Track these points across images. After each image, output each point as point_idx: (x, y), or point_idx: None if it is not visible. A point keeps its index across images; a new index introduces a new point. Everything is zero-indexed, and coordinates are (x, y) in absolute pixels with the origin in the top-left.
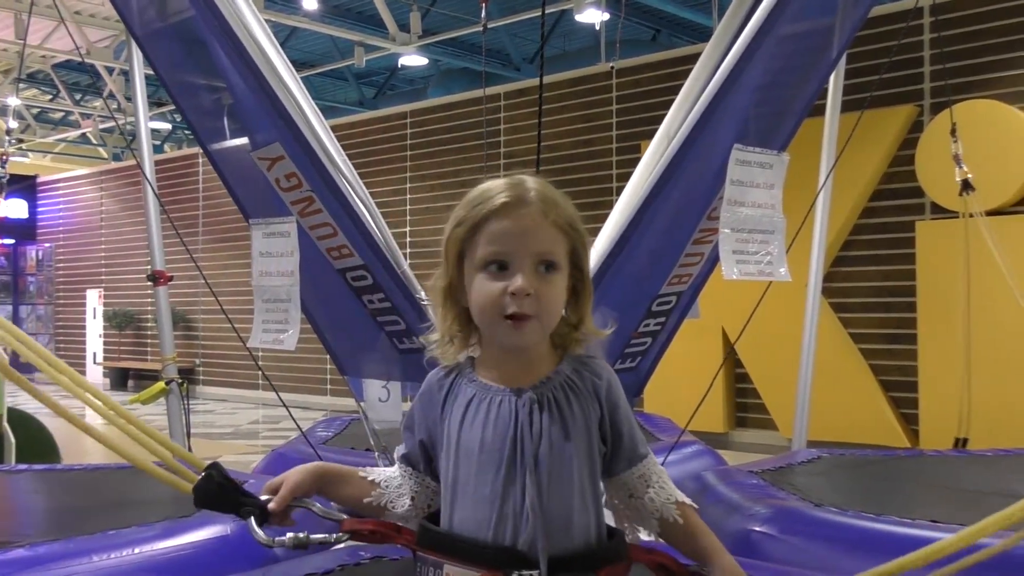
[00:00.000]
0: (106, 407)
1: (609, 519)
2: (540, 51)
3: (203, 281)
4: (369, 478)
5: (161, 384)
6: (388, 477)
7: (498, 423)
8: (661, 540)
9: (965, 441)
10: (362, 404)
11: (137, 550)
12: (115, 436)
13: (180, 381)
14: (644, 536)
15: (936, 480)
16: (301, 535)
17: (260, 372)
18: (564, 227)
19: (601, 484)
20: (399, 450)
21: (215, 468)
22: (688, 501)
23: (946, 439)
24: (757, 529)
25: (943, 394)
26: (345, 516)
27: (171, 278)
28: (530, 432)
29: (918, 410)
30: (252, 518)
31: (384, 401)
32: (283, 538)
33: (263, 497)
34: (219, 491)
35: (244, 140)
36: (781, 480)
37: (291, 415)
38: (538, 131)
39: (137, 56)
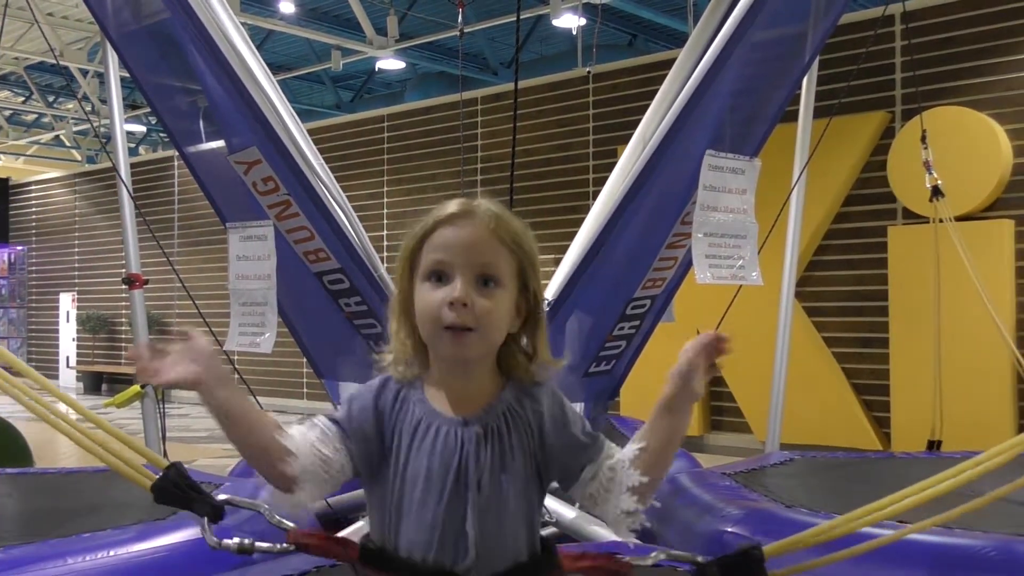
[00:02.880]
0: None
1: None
2: (516, 56)
3: (178, 285)
4: (282, 443)
5: (136, 388)
6: (301, 450)
7: (444, 453)
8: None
9: (939, 444)
10: (338, 406)
11: (112, 552)
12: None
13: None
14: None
15: (906, 481)
16: (247, 541)
17: (236, 375)
18: (510, 244)
19: (540, 500)
20: (334, 417)
21: (174, 468)
22: (636, 447)
23: (918, 441)
24: (729, 530)
25: (915, 397)
26: (293, 525)
27: (146, 282)
28: (475, 464)
29: (890, 413)
30: (205, 517)
31: None
32: (230, 541)
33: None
34: (175, 489)
35: (220, 143)
36: (753, 482)
37: (257, 401)
38: (513, 135)
39: (112, 58)
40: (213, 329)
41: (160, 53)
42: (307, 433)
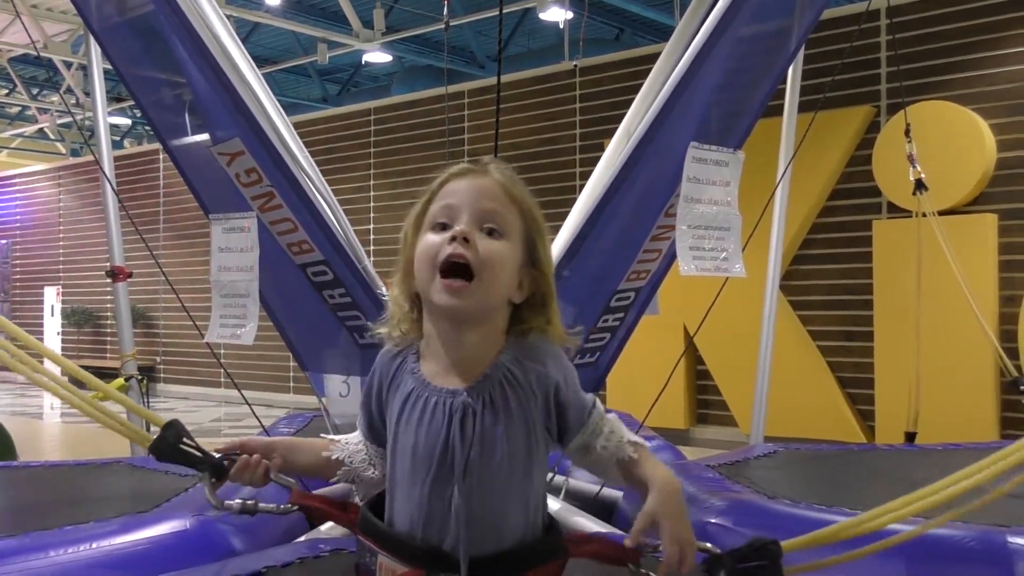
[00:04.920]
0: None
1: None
2: (499, 49)
3: (163, 278)
4: (326, 437)
5: (120, 380)
6: (350, 440)
7: (431, 427)
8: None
9: (914, 435)
10: (323, 399)
11: (95, 545)
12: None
13: (139, 377)
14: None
15: (887, 473)
16: (250, 501)
17: (221, 368)
18: (519, 204)
19: (542, 475)
20: (359, 418)
21: (172, 427)
22: (639, 440)
23: (901, 434)
24: (712, 521)
25: (899, 390)
26: (296, 484)
27: (130, 274)
28: (460, 439)
29: (874, 406)
30: (207, 476)
31: (345, 396)
32: (232, 502)
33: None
34: (175, 448)
35: (204, 136)
36: (737, 474)
37: (252, 410)
38: (495, 129)
39: (95, 51)
40: (197, 323)
41: (143, 46)
42: (351, 439)
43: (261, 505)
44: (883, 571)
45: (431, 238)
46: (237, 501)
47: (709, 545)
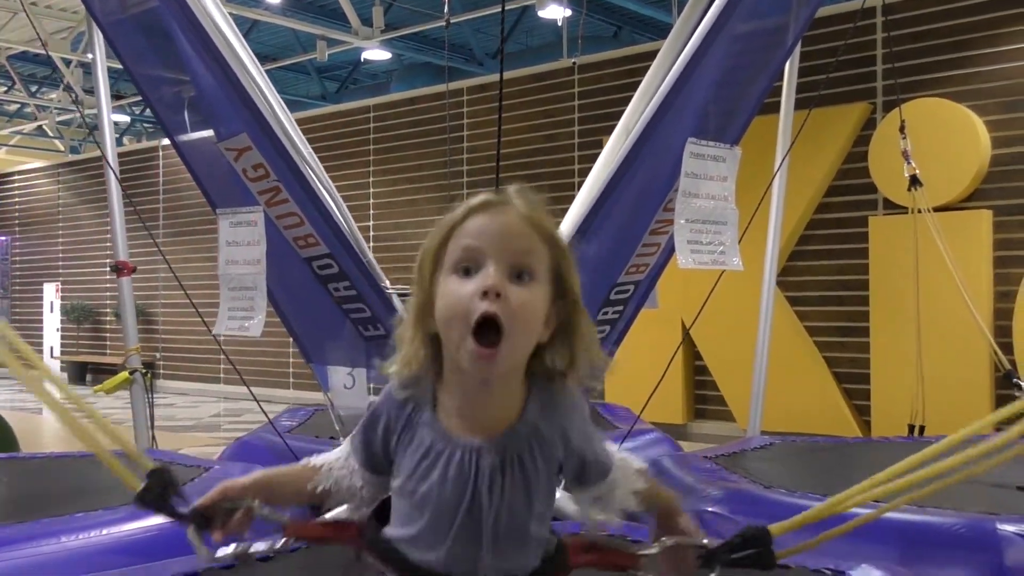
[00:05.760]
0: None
1: None
2: (501, 47)
3: (162, 275)
4: (311, 463)
5: (125, 374)
6: (333, 466)
7: (457, 484)
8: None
9: (922, 429)
10: (328, 392)
11: (104, 532)
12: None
13: (144, 371)
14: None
15: (882, 464)
16: (240, 546)
17: (225, 361)
18: (547, 238)
19: (551, 508)
20: (353, 443)
21: (157, 475)
22: (643, 466)
23: (897, 428)
24: (709, 509)
25: (895, 385)
26: (288, 518)
27: (134, 269)
28: (489, 497)
29: (870, 401)
30: (192, 528)
31: (349, 388)
32: (226, 550)
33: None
34: (160, 498)
35: (209, 132)
36: (734, 465)
37: (256, 401)
38: (498, 126)
39: (99, 46)
40: (198, 318)
41: (149, 43)
42: (333, 464)
43: (256, 546)
44: (879, 555)
45: (458, 288)
46: (230, 549)
47: (705, 540)
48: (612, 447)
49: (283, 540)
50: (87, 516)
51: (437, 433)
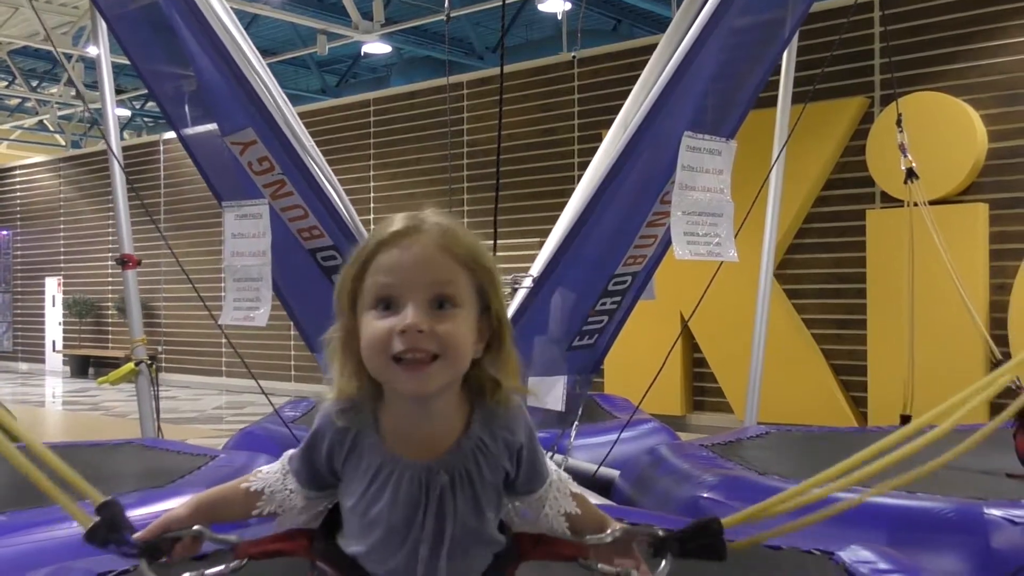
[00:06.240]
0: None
1: None
2: (502, 39)
3: (164, 269)
4: (251, 488)
5: (131, 365)
6: (274, 488)
7: (408, 502)
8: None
9: (909, 418)
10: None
11: None
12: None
13: (149, 363)
14: None
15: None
16: (192, 574)
17: (227, 354)
18: (466, 261)
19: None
20: (292, 465)
21: (107, 508)
22: (578, 491)
23: (893, 420)
24: (705, 495)
25: (891, 377)
26: (236, 539)
27: (139, 262)
28: (439, 514)
29: (867, 393)
30: (143, 561)
31: None
32: None
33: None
34: (109, 533)
35: (214, 125)
36: (730, 453)
37: (264, 392)
38: (499, 119)
39: (103, 39)
40: (204, 312)
41: (154, 36)
42: (276, 492)
43: (206, 573)
44: (868, 539)
45: (376, 324)
46: None
47: (657, 530)
48: (551, 465)
49: (235, 561)
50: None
51: (384, 456)
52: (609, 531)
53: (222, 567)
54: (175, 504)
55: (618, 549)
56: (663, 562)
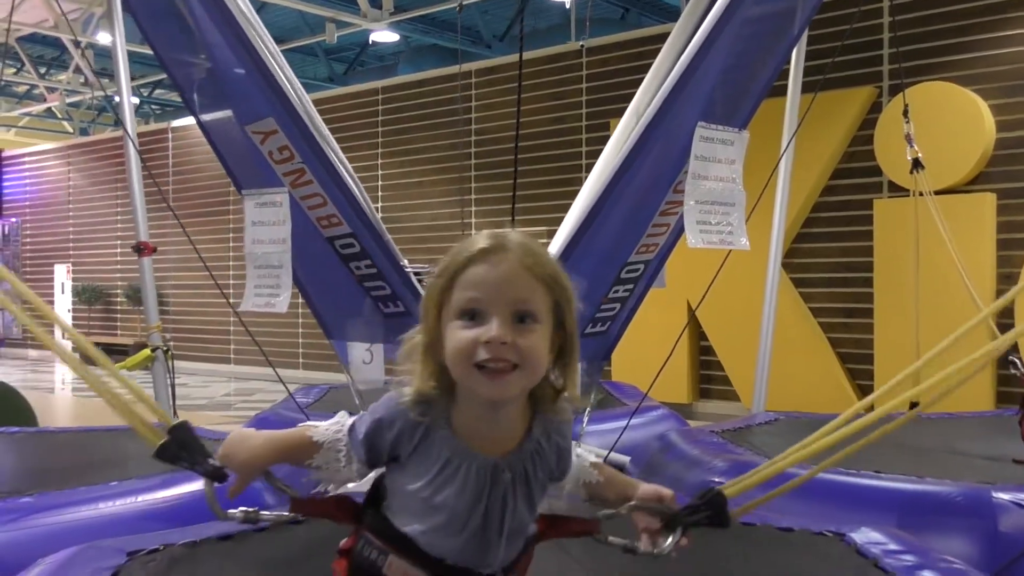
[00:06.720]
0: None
1: None
2: (520, 28)
3: (173, 257)
4: (313, 439)
5: (147, 351)
6: (331, 448)
7: (474, 492)
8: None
9: (916, 404)
10: (347, 366)
11: (140, 498)
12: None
13: (165, 348)
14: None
15: (884, 438)
16: (251, 510)
17: (235, 342)
18: (545, 279)
19: None
20: (354, 439)
21: (178, 430)
22: (595, 459)
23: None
24: (715, 480)
25: (897, 366)
26: (296, 492)
27: (155, 249)
28: (500, 507)
29: (873, 381)
30: (207, 481)
31: (368, 363)
32: (235, 512)
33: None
34: (179, 452)
35: (235, 112)
36: (739, 439)
37: (281, 380)
38: (517, 106)
39: (119, 26)
40: (211, 299)
41: (176, 23)
42: (332, 451)
43: (263, 513)
44: (879, 522)
45: (463, 333)
46: (240, 511)
47: (668, 508)
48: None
49: (288, 513)
50: (121, 484)
51: (454, 449)
52: (624, 506)
53: (275, 513)
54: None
55: (635, 522)
56: (671, 536)
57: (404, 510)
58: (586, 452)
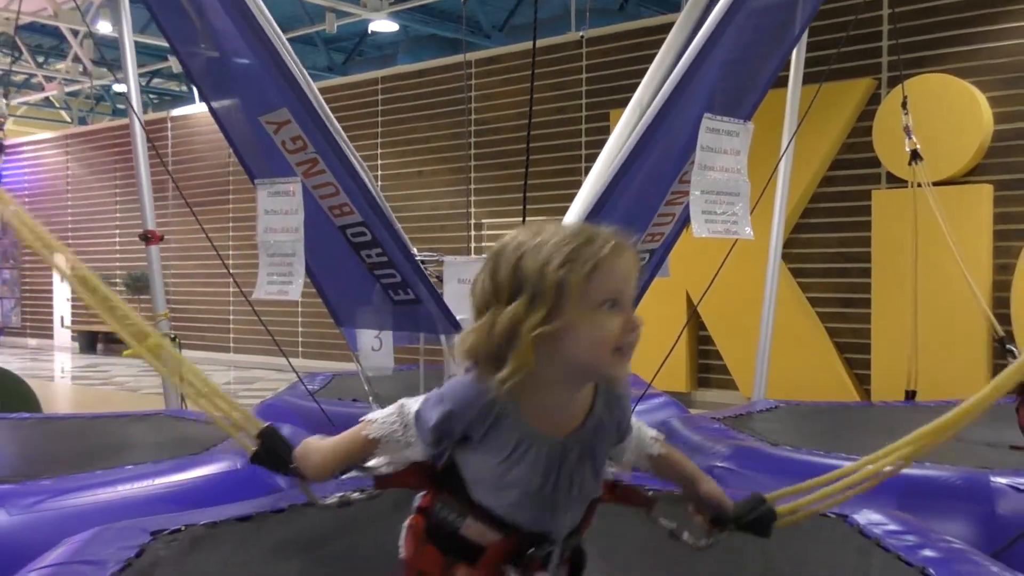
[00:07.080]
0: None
1: None
2: (533, 16)
3: (174, 247)
4: (370, 436)
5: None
6: (389, 439)
7: (545, 471)
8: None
9: (914, 393)
10: (356, 353)
11: (156, 481)
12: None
13: (173, 336)
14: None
15: (882, 425)
16: (342, 495)
17: (239, 329)
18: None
19: None
20: (421, 425)
21: (268, 435)
22: (658, 435)
23: (895, 397)
24: (719, 465)
25: (895, 356)
26: (375, 472)
27: (162, 237)
28: (569, 482)
29: (870, 371)
30: (302, 480)
31: (376, 350)
32: (332, 499)
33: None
34: (272, 456)
35: (248, 103)
36: (741, 425)
37: (294, 370)
38: (530, 94)
39: (126, 15)
40: (211, 288)
41: (191, 13)
42: (391, 442)
43: (354, 495)
44: (880, 505)
45: (611, 321)
46: (335, 497)
47: (723, 506)
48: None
49: (373, 489)
50: (136, 468)
51: (523, 433)
52: (688, 497)
53: (365, 493)
54: (215, 468)
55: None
56: (715, 535)
57: (477, 483)
58: (644, 425)
